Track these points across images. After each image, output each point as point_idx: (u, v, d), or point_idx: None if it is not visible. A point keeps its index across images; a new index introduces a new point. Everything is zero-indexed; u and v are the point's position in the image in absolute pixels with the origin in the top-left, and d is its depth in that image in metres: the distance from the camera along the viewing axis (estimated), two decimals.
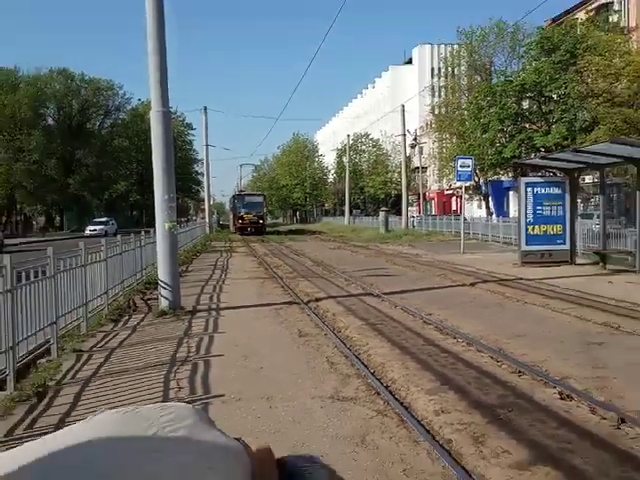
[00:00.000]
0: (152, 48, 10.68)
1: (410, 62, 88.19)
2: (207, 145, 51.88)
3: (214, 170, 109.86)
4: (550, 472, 4.27)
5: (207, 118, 50.93)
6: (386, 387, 6.37)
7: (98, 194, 68.91)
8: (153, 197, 11.20)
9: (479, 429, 5.10)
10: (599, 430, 5.09)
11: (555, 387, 6.24)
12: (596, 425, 5.20)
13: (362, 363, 7.33)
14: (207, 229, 49.22)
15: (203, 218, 59.56)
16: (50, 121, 62.07)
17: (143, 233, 16.00)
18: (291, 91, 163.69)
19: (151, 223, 11.55)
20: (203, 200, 62.43)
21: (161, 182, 10.88)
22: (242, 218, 51.00)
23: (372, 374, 6.85)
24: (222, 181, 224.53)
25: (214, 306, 11.96)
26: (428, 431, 5.11)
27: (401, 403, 5.86)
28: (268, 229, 56.54)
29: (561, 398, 5.94)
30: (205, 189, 57.23)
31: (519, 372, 6.86)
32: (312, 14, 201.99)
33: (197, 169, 77.34)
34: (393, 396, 6.07)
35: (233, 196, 59.29)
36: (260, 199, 55.02)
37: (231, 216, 59.61)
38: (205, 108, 50.78)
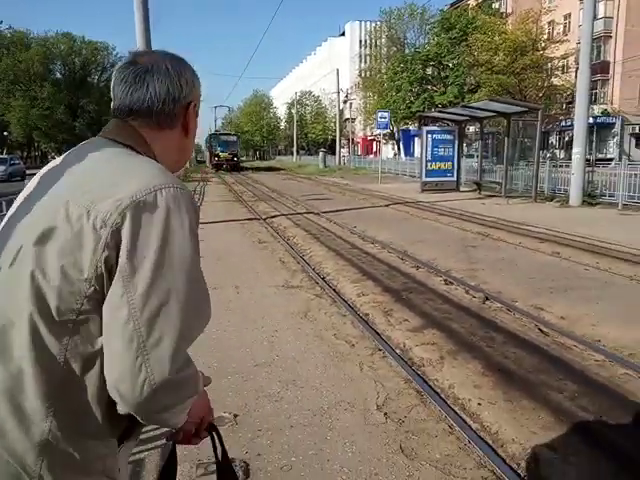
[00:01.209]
0: (138, 12, 10.05)
1: (343, 34, 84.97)
2: None
3: None
4: (436, 333, 4.48)
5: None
6: (323, 278, 6.45)
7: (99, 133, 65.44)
8: None
9: (388, 306, 5.27)
10: (470, 305, 5.32)
11: (441, 276, 6.43)
12: (469, 302, 5.43)
13: (305, 262, 7.37)
14: (188, 164, 47.81)
15: None
16: (58, 75, 57.85)
17: None
18: (251, 54, 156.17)
19: None
20: None
21: None
22: (218, 156, 42.85)
23: (313, 269, 6.91)
24: (199, 127, 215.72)
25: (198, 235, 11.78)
26: (352, 307, 5.22)
27: (333, 289, 5.94)
28: None
29: (445, 284, 6.14)
30: None
31: (417, 267, 7.03)
32: None
33: None
34: (327, 284, 6.16)
35: (209, 135, 49.12)
36: (234, 138, 46.68)
37: (207, 154, 52.02)
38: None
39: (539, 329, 4.56)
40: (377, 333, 4.47)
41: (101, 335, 0.87)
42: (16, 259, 0.89)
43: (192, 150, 1.19)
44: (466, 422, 3.01)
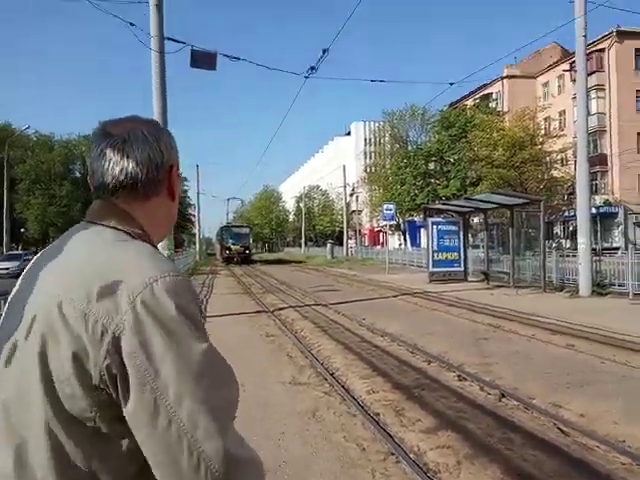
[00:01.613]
0: (157, 117, 10.64)
1: (349, 134, 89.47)
2: (198, 194, 51.51)
3: (203, 212, 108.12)
4: (451, 434, 4.28)
5: (199, 173, 50.73)
6: (331, 374, 6.29)
7: None
8: None
9: (399, 404, 5.08)
10: (486, 403, 5.12)
11: (454, 371, 6.26)
12: (484, 399, 5.24)
13: (313, 356, 7.23)
14: (197, 257, 48.40)
15: (194, 248, 58.35)
16: (77, 174, 60.66)
17: None
18: (262, 151, 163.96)
19: None
20: (195, 234, 61.44)
21: None
22: (230, 249, 40.69)
23: (321, 364, 6.76)
24: (209, 221, 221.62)
25: (203, 320, 11.72)
26: (362, 407, 5.04)
27: (342, 386, 5.77)
28: None
29: (459, 379, 5.96)
30: (196, 226, 56.56)
31: (429, 361, 6.86)
32: (278, 92, 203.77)
33: (191, 211, 76.14)
34: (336, 381, 5.99)
35: (221, 228, 46.59)
36: (247, 230, 44.32)
37: (218, 246, 48.85)
38: (197, 166, 50.80)
39: (558, 428, 4.35)
40: (389, 435, 4.27)
41: (124, 439, 0.84)
42: (13, 357, 0.87)
43: (176, 214, 1.13)
44: None
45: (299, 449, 4.02)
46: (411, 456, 3.86)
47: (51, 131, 58.77)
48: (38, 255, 1.02)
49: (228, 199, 61.11)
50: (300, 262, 42.47)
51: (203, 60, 11.35)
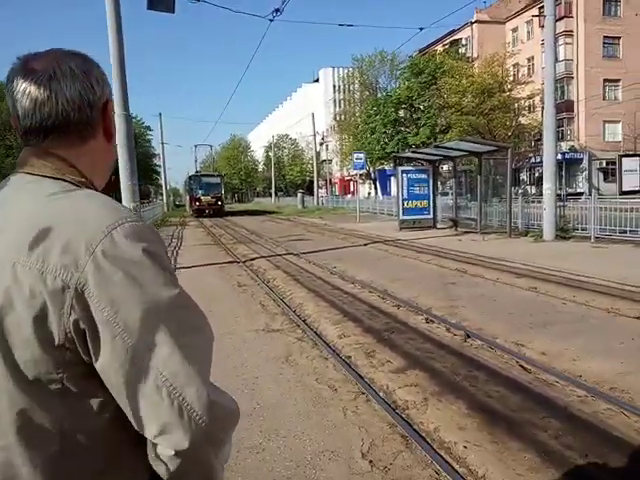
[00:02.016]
0: (114, 60, 10.11)
1: (317, 80, 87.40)
2: (162, 143, 50.22)
3: (169, 162, 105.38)
4: (419, 373, 4.44)
5: (162, 122, 49.12)
6: (303, 320, 6.38)
7: None
8: (120, 183, 10.74)
9: (370, 347, 5.21)
10: (452, 343, 5.30)
11: (422, 315, 6.42)
12: (450, 340, 5.41)
13: (285, 304, 7.30)
14: (165, 208, 47.68)
15: (162, 200, 57.33)
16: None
17: None
18: (228, 99, 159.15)
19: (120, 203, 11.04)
20: (161, 186, 60.21)
21: (126, 171, 10.40)
22: (199, 200, 36.54)
23: (293, 312, 6.85)
24: (175, 172, 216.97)
25: (172, 266, 11.63)
26: (334, 350, 5.16)
27: (314, 331, 5.88)
28: None
29: (426, 322, 6.12)
30: (163, 177, 55.39)
31: (398, 306, 7.01)
32: (242, 38, 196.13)
33: (156, 162, 74.12)
34: (308, 326, 6.09)
35: (189, 177, 41.19)
36: (218, 180, 39.12)
37: (187, 198, 43.79)
38: (160, 114, 49.10)
39: (521, 366, 4.55)
40: (360, 376, 4.41)
41: (95, 396, 0.80)
42: None
43: (114, 157, 1.04)
44: (453, 467, 2.94)
45: (273, 392, 4.12)
46: (380, 394, 4.01)
47: (2, 79, 55.62)
48: None
49: (195, 145, 53.11)
50: (271, 212, 42.26)
51: (161, 2, 10.72)
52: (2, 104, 51.01)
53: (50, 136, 0.88)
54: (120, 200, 11.04)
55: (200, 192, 36.86)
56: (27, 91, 0.86)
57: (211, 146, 61.20)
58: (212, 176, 40.61)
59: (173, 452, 0.78)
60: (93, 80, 0.91)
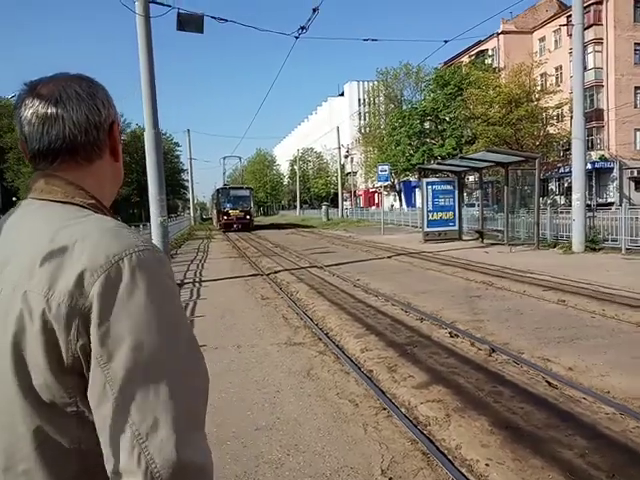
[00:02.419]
0: (144, 84, 10.45)
1: (342, 94, 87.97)
2: (190, 158, 50.99)
3: (196, 176, 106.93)
4: (442, 389, 4.37)
5: (190, 138, 50.09)
6: (326, 334, 6.37)
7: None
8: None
9: (392, 361, 5.16)
10: (476, 358, 5.21)
11: (446, 328, 6.34)
12: (474, 354, 5.33)
13: (308, 317, 7.31)
14: (192, 221, 48.46)
15: (189, 213, 58.08)
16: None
17: (141, 226, 15.63)
18: (254, 114, 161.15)
19: (149, 218, 11.27)
20: (189, 200, 61.19)
21: (154, 186, 10.68)
22: (227, 214, 34.52)
23: (316, 325, 6.85)
24: (203, 186, 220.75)
25: (197, 279, 11.77)
26: (356, 364, 5.13)
27: (336, 345, 5.86)
28: None
29: (451, 336, 6.04)
30: (190, 191, 56.30)
31: (421, 319, 6.94)
32: (269, 53, 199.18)
33: (184, 177, 75.27)
34: (331, 340, 6.07)
35: (217, 190, 38.96)
36: (247, 193, 36.94)
37: (214, 211, 41.36)
38: (188, 130, 50.09)
39: (547, 381, 4.45)
40: (381, 391, 4.38)
41: None
42: None
43: (122, 175, 1.05)
44: None
45: (294, 406, 4.11)
46: (402, 410, 3.97)
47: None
48: None
49: (224, 158, 49.47)
50: (296, 225, 42.45)
51: (190, 23, 11.04)
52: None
53: (58, 159, 0.90)
54: (148, 214, 11.32)
55: (228, 206, 35.06)
56: (35, 115, 0.88)
57: (240, 158, 57.22)
58: (241, 189, 38.70)
59: None
60: (99, 102, 0.93)
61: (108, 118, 0.95)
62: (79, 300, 0.77)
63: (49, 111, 0.88)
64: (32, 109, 0.88)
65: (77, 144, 0.90)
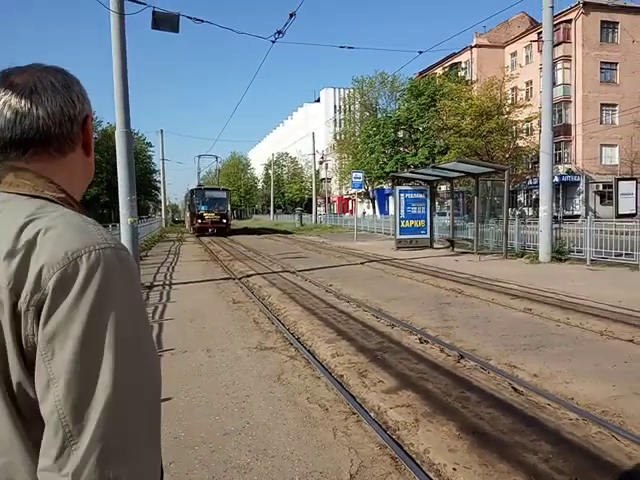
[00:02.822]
0: (117, 82, 10.26)
1: (318, 100, 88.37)
2: (163, 159, 50.42)
3: (168, 178, 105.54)
4: (411, 394, 4.41)
5: (163, 138, 49.41)
6: (297, 339, 6.36)
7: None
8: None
9: (363, 366, 5.18)
10: (445, 364, 5.27)
11: (416, 335, 6.39)
12: (443, 360, 5.39)
13: (280, 322, 7.28)
14: (163, 224, 47.75)
15: (160, 215, 57.23)
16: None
17: (110, 227, 15.32)
18: (228, 117, 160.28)
19: (118, 219, 11.02)
20: (160, 202, 60.31)
21: (124, 186, 10.47)
22: (202, 217, 31.88)
23: (287, 330, 6.82)
24: (175, 187, 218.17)
25: (167, 282, 11.61)
26: (326, 369, 5.14)
27: (307, 350, 5.85)
28: None
29: (420, 342, 6.10)
30: (162, 193, 55.49)
31: (392, 325, 7.00)
32: (242, 57, 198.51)
33: (156, 177, 74.21)
34: (302, 345, 6.07)
35: (191, 191, 35.54)
36: (224, 194, 34.09)
37: (188, 214, 38.67)
38: (161, 131, 49.44)
39: (513, 387, 4.53)
40: (352, 396, 4.38)
41: None
42: None
43: (93, 170, 1.03)
44: None
45: (263, 411, 4.08)
46: (371, 415, 3.98)
47: None
48: None
49: (199, 156, 44.58)
50: (269, 230, 42.27)
51: (165, 21, 10.89)
52: None
53: (30, 150, 0.88)
54: (118, 215, 11.10)
55: (203, 208, 32.09)
56: (8, 104, 0.85)
57: (216, 157, 49.72)
58: (217, 190, 35.30)
59: None
60: (74, 95, 0.91)
61: (82, 112, 0.93)
62: (35, 295, 0.75)
63: (23, 101, 0.86)
64: (5, 98, 0.86)
65: (50, 135, 0.88)
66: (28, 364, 0.76)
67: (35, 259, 0.76)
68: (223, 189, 36.39)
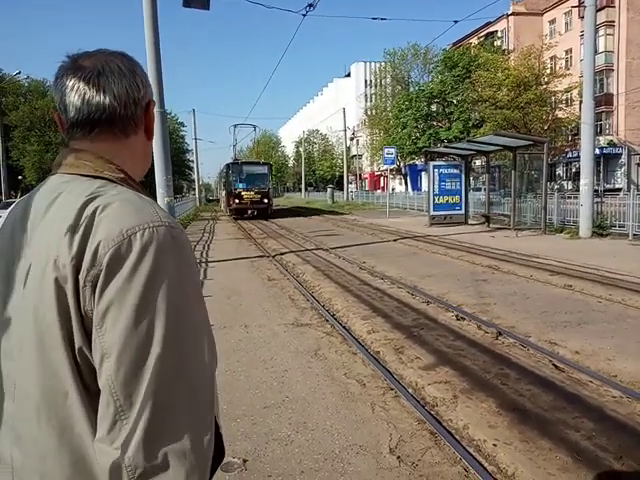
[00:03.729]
0: (150, 61, 10.35)
1: (349, 75, 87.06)
2: (196, 139, 50.98)
3: (201, 158, 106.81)
4: (449, 371, 4.41)
5: (195, 118, 49.81)
6: (332, 315, 6.41)
7: None
8: (155, 178, 10.98)
9: (399, 343, 5.20)
10: (483, 341, 5.24)
11: (453, 311, 6.36)
12: (481, 337, 5.36)
13: (315, 299, 7.33)
14: (197, 203, 48.48)
15: (194, 195, 58.01)
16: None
17: None
18: (258, 95, 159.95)
19: (155, 199, 11.26)
20: (194, 181, 61.11)
21: (160, 166, 10.66)
22: (239, 196, 26.72)
23: (322, 306, 6.87)
24: (207, 167, 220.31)
25: (204, 259, 11.81)
26: (363, 345, 5.17)
27: (343, 326, 5.89)
28: None
29: (457, 319, 6.07)
30: (195, 172, 56.24)
31: (428, 302, 6.97)
32: (275, 33, 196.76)
33: (189, 157, 75.04)
34: (337, 321, 6.11)
35: (227, 165, 29.42)
36: (264, 169, 28.47)
37: (223, 193, 32.84)
38: (194, 110, 49.78)
39: (554, 365, 4.47)
40: (389, 372, 4.41)
41: None
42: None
43: (151, 155, 1.07)
44: (482, 464, 2.92)
45: (302, 386, 4.15)
46: (409, 391, 4.00)
47: (44, 77, 57.15)
48: (13, 211, 0.96)
49: (235, 125, 36.51)
50: (301, 208, 42.30)
51: None
52: (42, 101, 52.63)
53: (96, 129, 0.91)
54: (155, 195, 11.32)
55: (241, 186, 27.00)
56: (77, 86, 0.89)
57: (254, 126, 38.74)
58: (257, 164, 29.94)
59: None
60: (138, 79, 0.95)
61: (146, 96, 0.97)
62: (92, 270, 0.78)
63: (91, 83, 0.89)
64: (74, 80, 0.90)
65: (116, 116, 0.92)
66: (89, 334, 0.80)
67: (93, 236, 0.79)
68: (264, 163, 30.91)
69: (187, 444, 0.77)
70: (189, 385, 0.79)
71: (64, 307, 0.79)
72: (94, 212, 0.81)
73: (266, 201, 27.27)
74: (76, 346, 0.80)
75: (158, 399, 0.76)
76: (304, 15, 13.71)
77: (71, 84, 0.89)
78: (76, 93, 0.89)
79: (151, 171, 11.24)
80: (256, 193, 26.96)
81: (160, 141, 10.62)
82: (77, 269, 0.78)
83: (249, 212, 26.70)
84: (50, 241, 0.82)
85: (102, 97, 0.90)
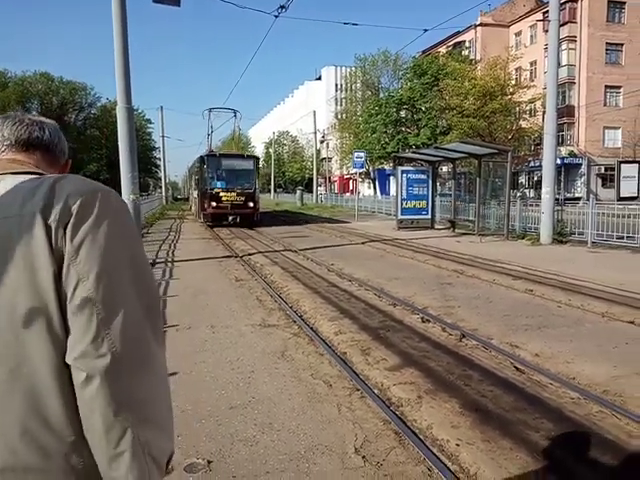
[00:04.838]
0: (117, 54, 10.13)
1: (320, 78, 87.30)
2: (163, 136, 50.03)
3: (169, 156, 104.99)
4: (414, 372, 4.45)
5: (163, 115, 48.97)
6: (300, 316, 6.40)
7: (74, 173, 64.25)
8: (120, 175, 10.73)
9: (365, 344, 5.23)
10: (447, 342, 5.32)
11: (418, 314, 6.43)
12: (445, 339, 5.44)
13: (282, 300, 7.30)
14: (164, 201, 47.63)
15: (161, 193, 56.94)
16: (34, 113, 57.31)
17: None
18: (227, 95, 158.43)
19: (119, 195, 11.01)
20: (161, 179, 60.04)
21: (126, 163, 10.43)
22: (217, 198, 20.55)
23: (290, 307, 6.85)
24: (175, 165, 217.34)
25: (170, 259, 11.61)
26: (329, 346, 5.17)
27: (310, 327, 5.89)
28: None
29: (422, 321, 6.14)
30: (162, 170, 55.27)
31: (394, 304, 7.03)
32: (246, 34, 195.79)
33: (156, 155, 73.58)
34: (305, 322, 6.11)
35: (201, 158, 22.33)
36: (249, 164, 21.78)
37: (195, 193, 25.95)
38: (161, 107, 48.94)
39: (515, 367, 4.57)
40: (355, 373, 4.42)
41: None
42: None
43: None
44: (445, 464, 2.96)
45: (268, 386, 4.12)
46: (375, 391, 4.02)
47: (4, 67, 55.25)
48: None
49: (210, 110, 26.18)
50: (268, 208, 42.04)
51: None
52: (2, 93, 50.69)
53: (31, 149, 1.15)
54: (120, 192, 11.04)
55: (219, 185, 20.83)
56: (20, 122, 1.16)
57: (235, 111, 27.82)
58: (240, 158, 22.90)
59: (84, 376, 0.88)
60: (63, 142, 1.23)
61: (66, 155, 1.25)
62: (63, 213, 0.91)
63: (34, 123, 1.17)
64: (17, 119, 1.16)
65: (51, 144, 1.18)
66: (60, 267, 0.90)
67: (60, 189, 0.93)
68: (249, 156, 23.97)
69: (159, 349, 0.99)
70: (150, 296, 1.00)
71: (37, 243, 0.90)
72: (53, 181, 0.95)
73: (251, 205, 21.15)
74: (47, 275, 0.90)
75: (136, 312, 0.93)
76: (276, 16, 13.68)
77: (15, 122, 1.16)
78: (19, 125, 1.16)
79: (116, 168, 11.01)
80: (239, 194, 20.82)
81: (126, 137, 10.41)
82: (46, 216, 0.90)
83: (230, 219, 20.71)
84: (13, 202, 0.93)
85: (42, 133, 1.18)
